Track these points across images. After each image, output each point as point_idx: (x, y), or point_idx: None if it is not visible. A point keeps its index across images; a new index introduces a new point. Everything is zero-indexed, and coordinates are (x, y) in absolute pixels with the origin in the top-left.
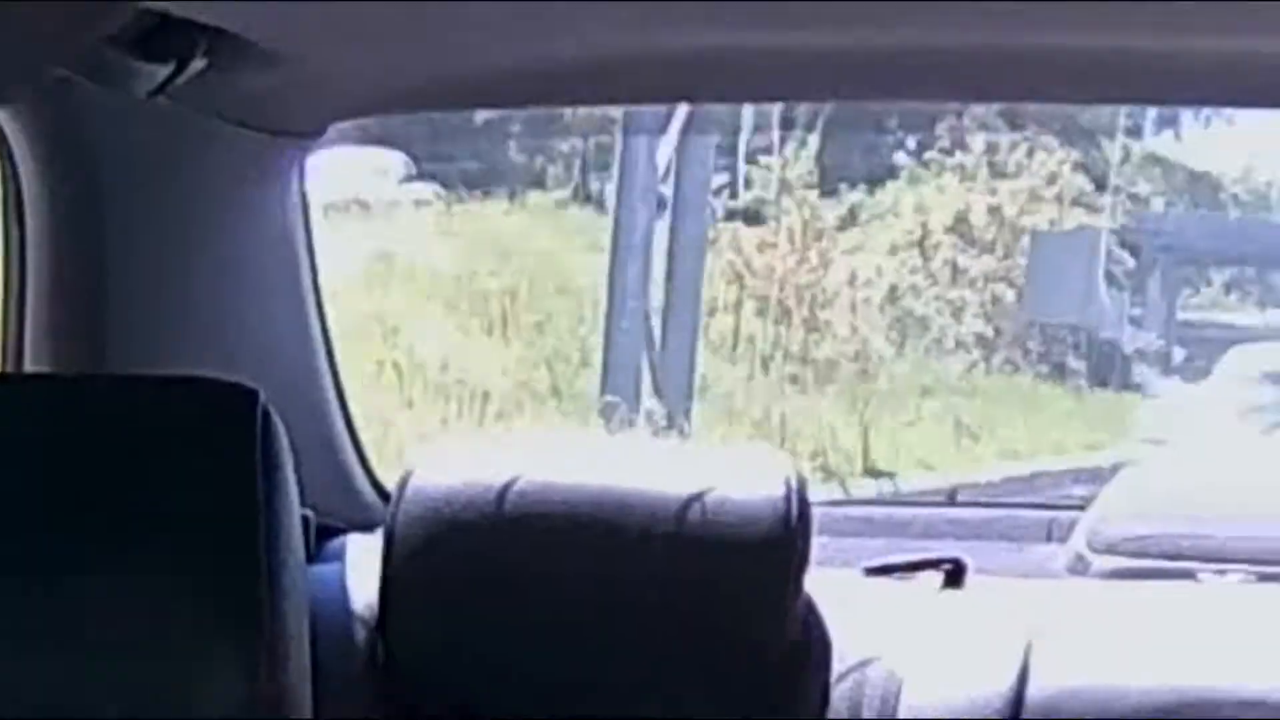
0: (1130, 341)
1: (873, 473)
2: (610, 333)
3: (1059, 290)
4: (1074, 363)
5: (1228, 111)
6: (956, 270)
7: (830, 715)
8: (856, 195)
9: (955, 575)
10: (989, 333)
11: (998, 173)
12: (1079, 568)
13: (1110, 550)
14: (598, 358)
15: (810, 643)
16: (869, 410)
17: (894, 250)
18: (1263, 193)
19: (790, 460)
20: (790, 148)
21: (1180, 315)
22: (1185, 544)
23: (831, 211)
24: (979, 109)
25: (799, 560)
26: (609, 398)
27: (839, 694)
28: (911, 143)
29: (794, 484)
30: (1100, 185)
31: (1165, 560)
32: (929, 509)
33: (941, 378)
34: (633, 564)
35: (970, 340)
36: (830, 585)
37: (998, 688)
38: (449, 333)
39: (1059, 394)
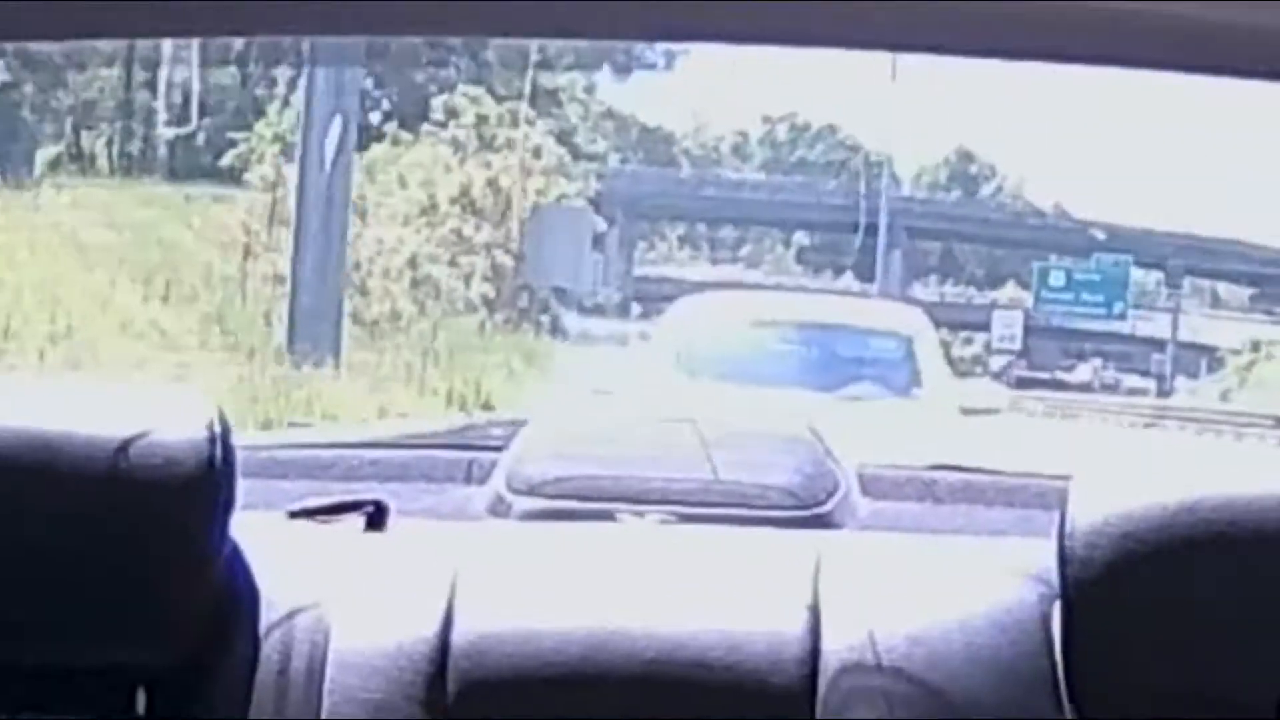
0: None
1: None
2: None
3: (554, 258)
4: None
5: (678, 63)
6: (462, 238)
7: (261, 661)
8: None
9: (377, 517)
10: (492, 294)
11: (487, 145)
12: (500, 509)
13: (530, 491)
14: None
15: (237, 588)
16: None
17: (407, 221)
18: (713, 147)
19: (213, 401)
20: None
21: (637, 270)
22: (605, 485)
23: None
24: (467, 78)
25: (224, 503)
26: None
27: (269, 641)
28: (407, 113)
29: (218, 425)
30: (575, 154)
31: (585, 501)
32: (350, 450)
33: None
34: (56, 507)
35: (478, 300)
36: (255, 529)
37: (424, 632)
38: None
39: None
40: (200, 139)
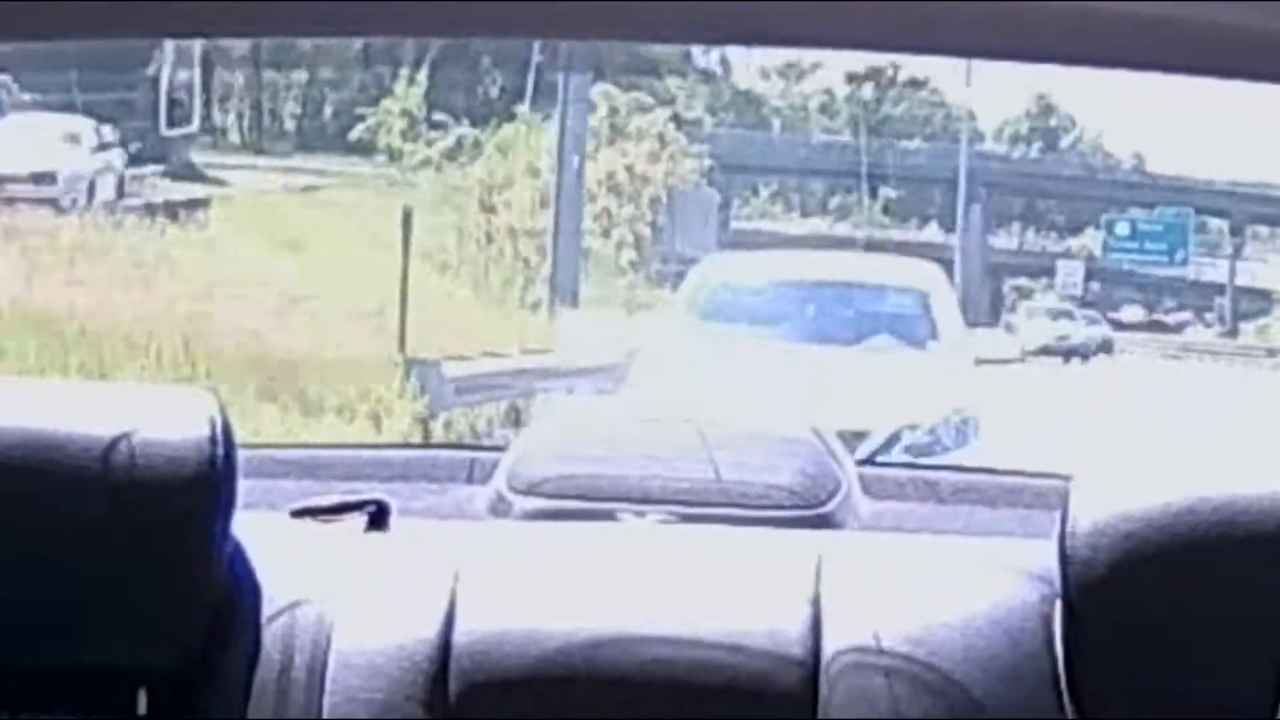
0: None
1: None
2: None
3: (687, 232)
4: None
5: None
6: (610, 215)
7: (262, 660)
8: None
9: (379, 517)
10: (636, 259)
11: (620, 133)
12: (501, 509)
13: (531, 491)
14: None
15: (239, 588)
16: None
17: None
18: (800, 106)
19: (215, 400)
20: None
21: (734, 225)
22: (606, 485)
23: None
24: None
25: (226, 502)
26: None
27: (270, 641)
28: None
29: (219, 425)
30: (691, 138)
31: (586, 501)
32: (352, 450)
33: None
34: (58, 506)
35: (626, 266)
36: (257, 528)
37: (426, 631)
38: None
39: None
40: (327, 114)
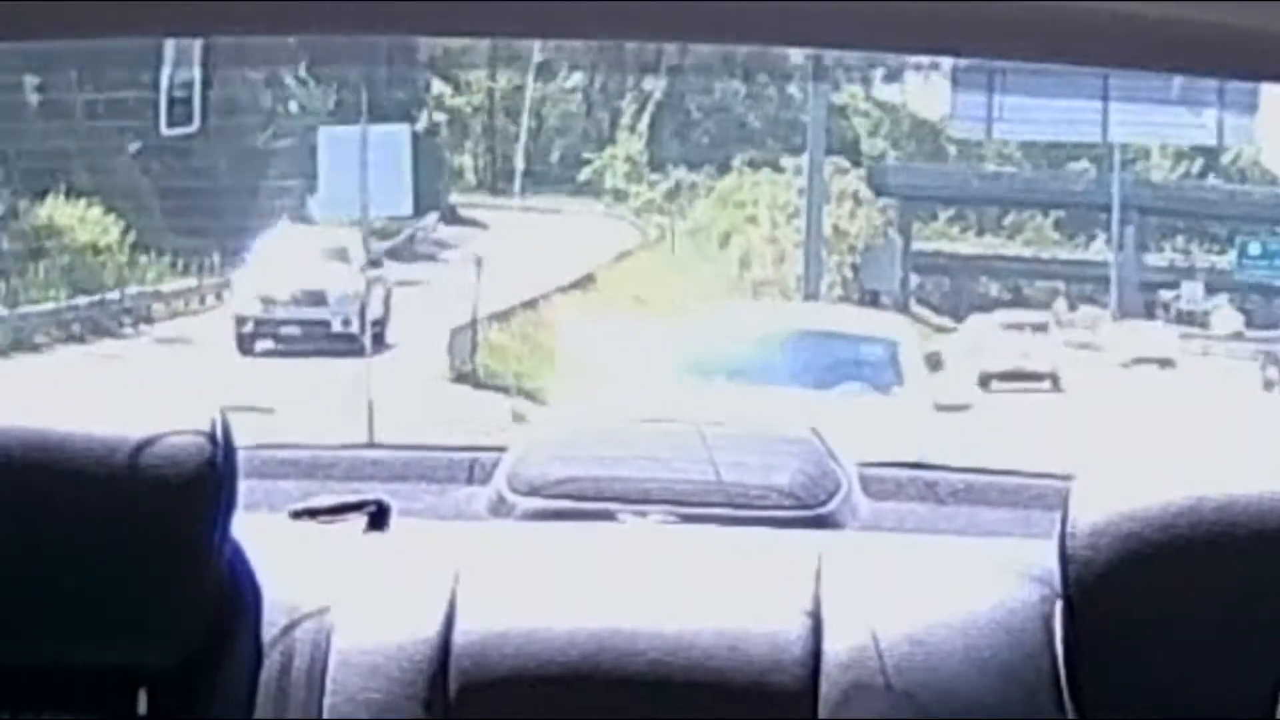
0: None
1: None
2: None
3: (878, 275)
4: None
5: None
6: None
7: (263, 661)
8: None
9: (379, 518)
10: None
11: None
12: (501, 509)
13: (532, 492)
14: None
15: (239, 588)
16: None
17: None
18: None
19: (215, 403)
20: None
21: (914, 246)
22: (606, 485)
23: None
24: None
25: (226, 504)
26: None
27: (270, 641)
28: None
29: (219, 425)
30: (878, 193)
31: (586, 501)
32: (352, 450)
33: None
34: (58, 507)
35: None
36: (257, 529)
37: (426, 632)
38: None
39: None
40: (555, 158)
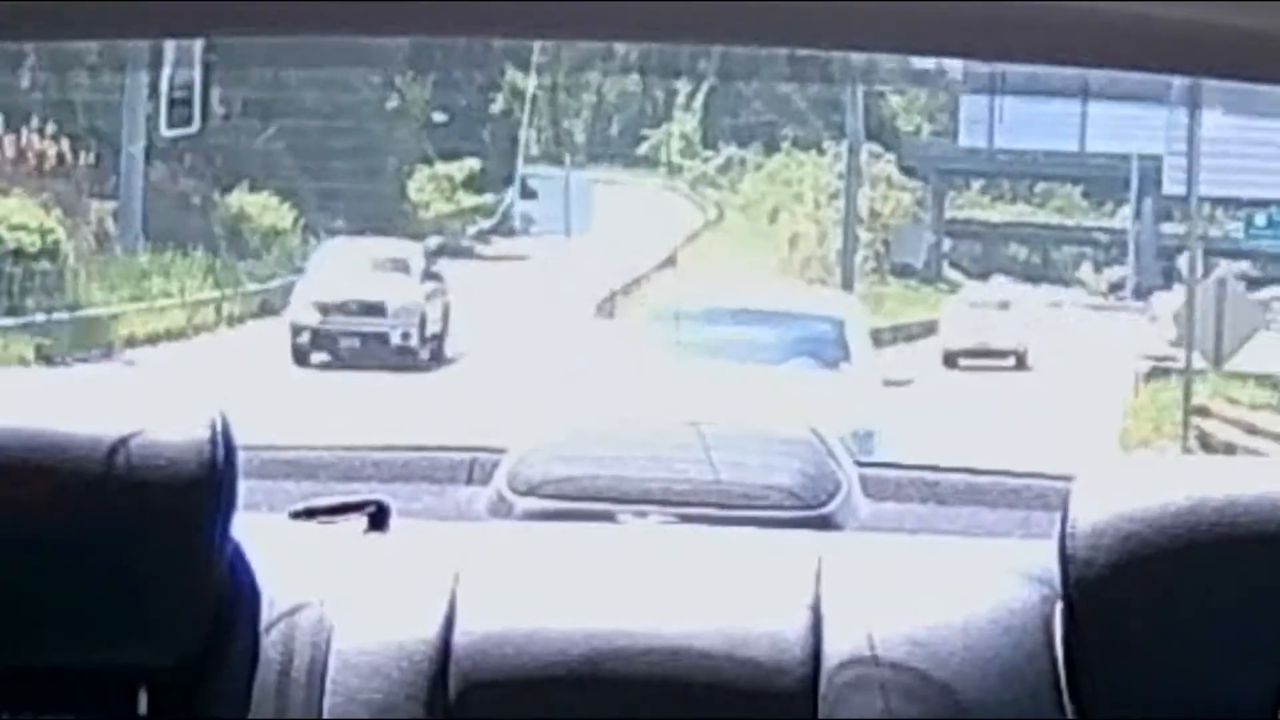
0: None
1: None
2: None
3: (908, 249)
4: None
5: None
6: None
7: (262, 661)
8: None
9: (379, 518)
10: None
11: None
12: (501, 509)
13: (532, 492)
14: None
15: (239, 589)
16: None
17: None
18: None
19: (216, 402)
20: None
21: (948, 214)
22: (606, 485)
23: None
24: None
25: (226, 504)
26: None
27: (270, 641)
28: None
29: (220, 425)
30: (910, 175)
31: (586, 502)
32: (352, 451)
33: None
34: (58, 506)
35: (868, 269)
36: (257, 530)
37: (425, 632)
38: None
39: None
40: (613, 132)
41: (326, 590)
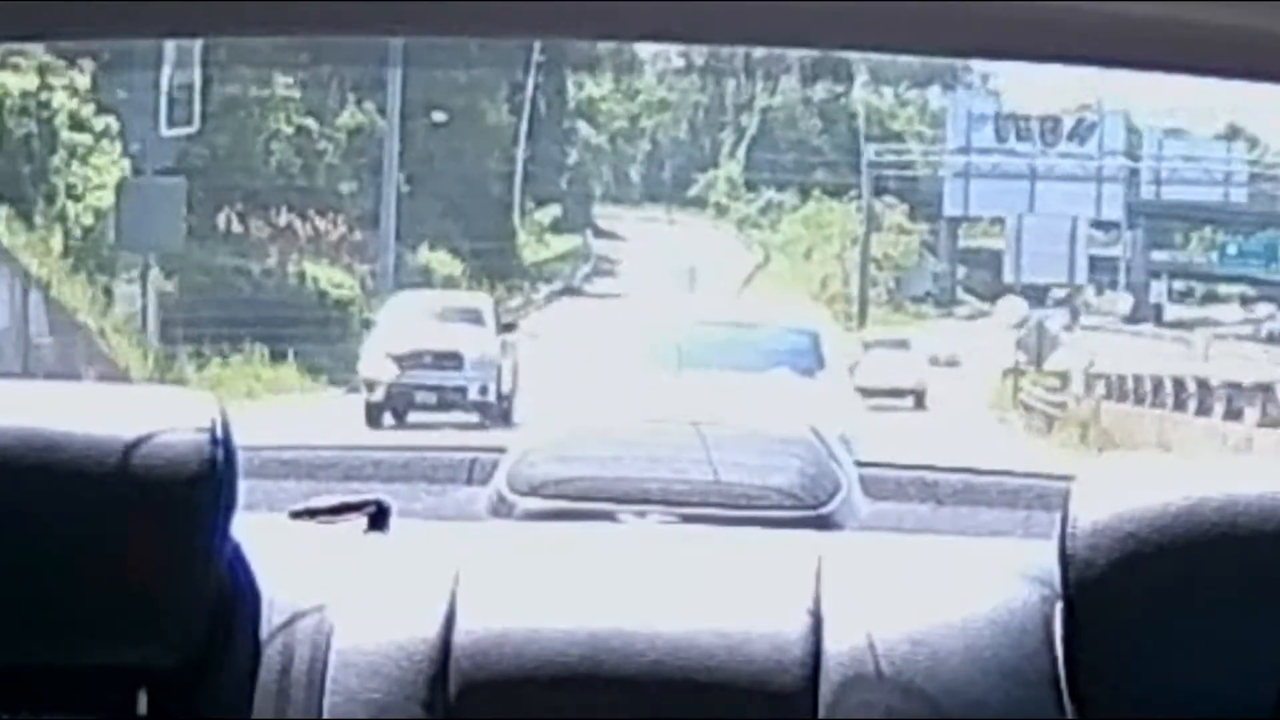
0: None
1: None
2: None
3: (916, 282)
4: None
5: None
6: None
7: (263, 661)
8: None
9: (379, 518)
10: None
11: (878, 225)
12: (501, 509)
13: (532, 492)
14: None
15: (239, 589)
16: None
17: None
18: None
19: (215, 401)
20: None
21: (960, 244)
22: (606, 485)
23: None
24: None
25: (226, 504)
26: None
27: (270, 641)
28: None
29: (219, 426)
30: (913, 217)
31: (586, 502)
32: (352, 451)
33: None
34: (58, 507)
35: (883, 301)
36: (257, 530)
37: (425, 632)
38: None
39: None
40: (666, 175)
41: (326, 590)
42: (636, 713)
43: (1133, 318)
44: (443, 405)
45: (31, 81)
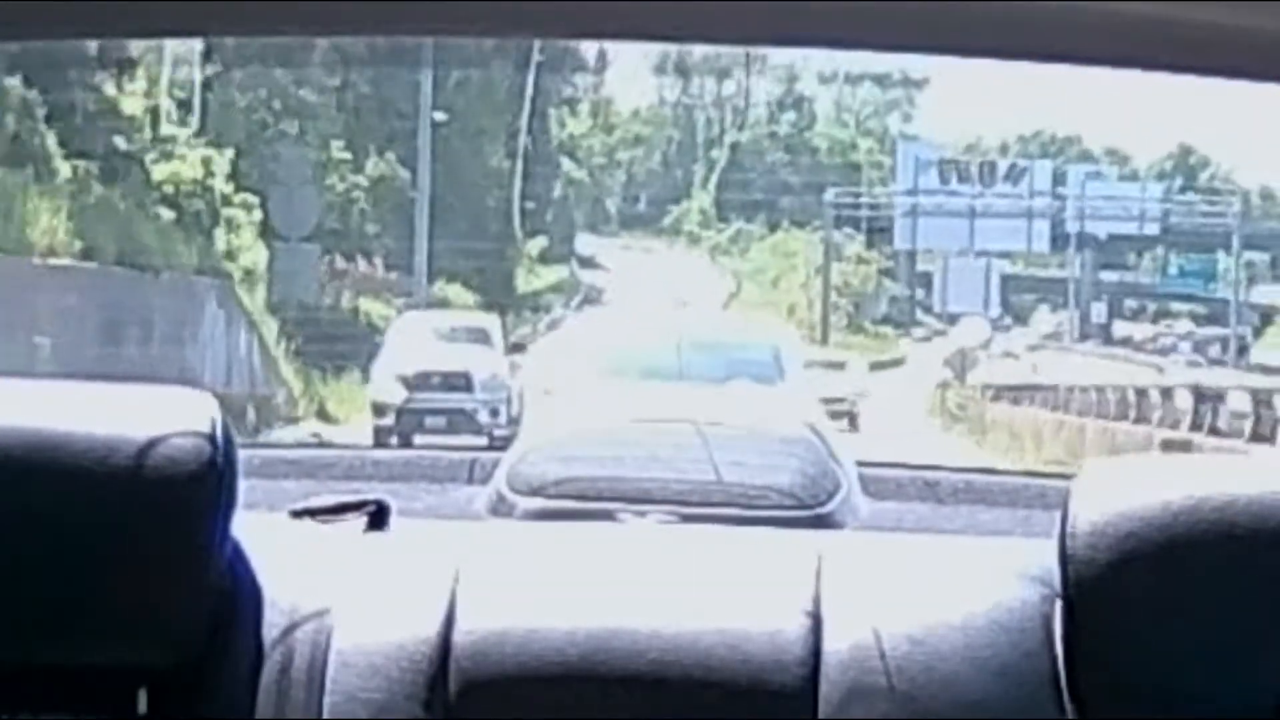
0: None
1: None
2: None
3: (872, 308)
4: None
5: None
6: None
7: (264, 661)
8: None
9: (379, 517)
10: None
11: (840, 256)
12: (501, 509)
13: (532, 491)
14: None
15: (239, 588)
16: None
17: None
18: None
19: (214, 401)
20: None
21: (919, 268)
22: (606, 485)
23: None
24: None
25: (226, 503)
26: None
27: (270, 641)
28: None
29: (219, 425)
30: (870, 245)
31: (587, 501)
32: (352, 450)
33: None
34: (58, 507)
35: (843, 326)
36: (257, 529)
37: (426, 631)
38: None
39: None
40: (641, 207)
41: (326, 590)
42: (636, 712)
43: (1082, 335)
44: (452, 429)
45: (198, 170)
